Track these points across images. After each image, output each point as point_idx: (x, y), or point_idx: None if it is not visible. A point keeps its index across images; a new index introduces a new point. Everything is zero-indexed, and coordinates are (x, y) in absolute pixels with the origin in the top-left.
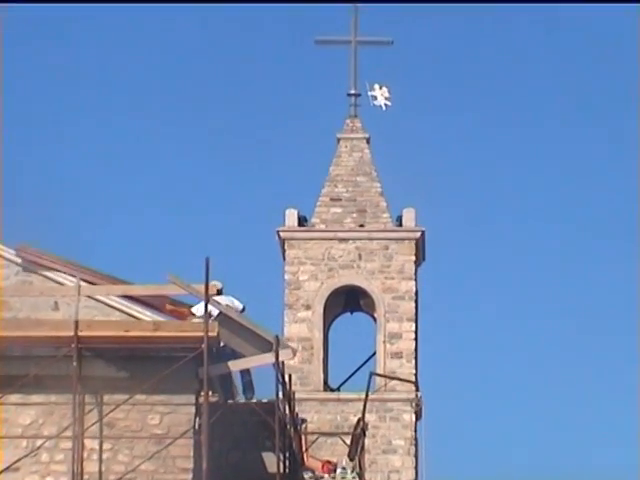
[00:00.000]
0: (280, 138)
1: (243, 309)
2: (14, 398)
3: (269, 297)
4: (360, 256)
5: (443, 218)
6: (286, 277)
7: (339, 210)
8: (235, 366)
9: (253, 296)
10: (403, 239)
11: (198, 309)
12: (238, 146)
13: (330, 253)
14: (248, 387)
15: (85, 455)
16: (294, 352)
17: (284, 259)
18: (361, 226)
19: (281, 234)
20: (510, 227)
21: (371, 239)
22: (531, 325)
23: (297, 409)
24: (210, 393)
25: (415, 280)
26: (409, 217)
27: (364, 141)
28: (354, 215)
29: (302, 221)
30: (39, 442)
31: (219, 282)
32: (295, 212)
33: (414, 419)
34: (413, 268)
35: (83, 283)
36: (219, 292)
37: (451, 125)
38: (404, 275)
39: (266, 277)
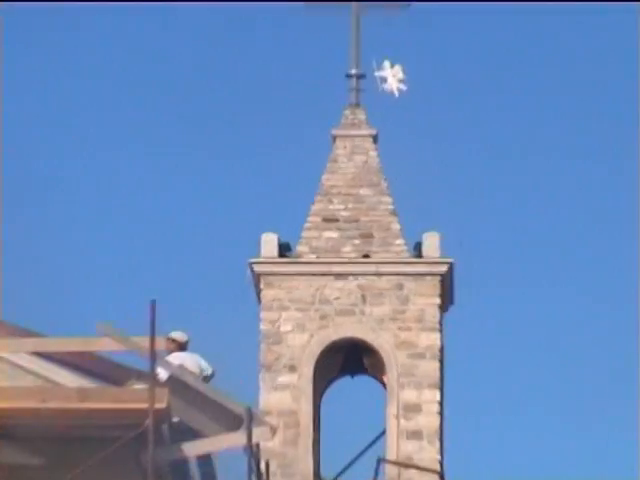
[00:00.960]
0: (255, 136)
1: (212, 374)
2: None
3: (239, 354)
4: (364, 298)
5: (478, 245)
6: (262, 327)
7: (335, 234)
8: (193, 449)
9: (218, 353)
10: (423, 275)
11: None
12: (196, 144)
13: (323, 294)
14: (209, 478)
15: None
16: (273, 430)
17: (259, 302)
18: (365, 257)
19: (255, 268)
20: (566, 262)
21: (379, 275)
22: (589, 392)
23: None
24: None
25: (440, 331)
26: (432, 244)
27: (370, 139)
28: (356, 241)
29: (284, 250)
30: None
31: (183, 333)
32: (274, 238)
33: None
34: (437, 315)
35: None
36: (183, 347)
37: (488, 118)
38: (425, 324)
39: (235, 327)
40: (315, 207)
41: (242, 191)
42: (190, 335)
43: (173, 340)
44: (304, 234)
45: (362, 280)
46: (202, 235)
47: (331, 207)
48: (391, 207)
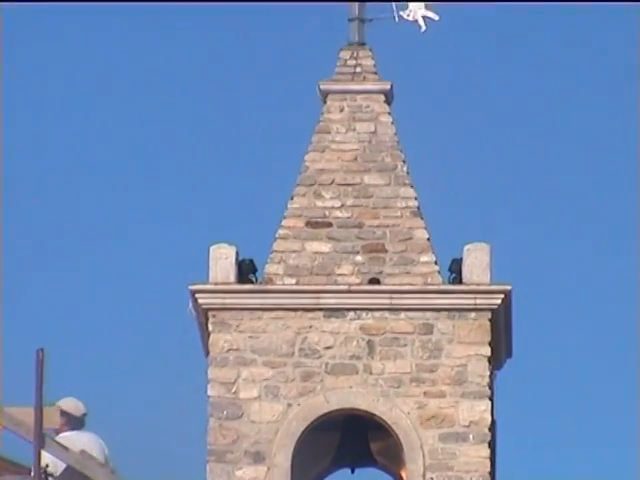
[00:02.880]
0: (196, 88)
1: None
2: None
3: (181, 436)
4: (372, 347)
5: (547, 263)
6: (211, 392)
7: (326, 247)
8: None
9: (147, 432)
10: (465, 310)
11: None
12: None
13: (307, 341)
14: None
15: None
16: None
17: (206, 353)
18: (374, 282)
19: (200, 299)
20: None
21: (395, 309)
22: None
23: None
24: None
25: (491, 399)
26: (478, 262)
27: (380, 98)
28: (359, 258)
29: (246, 271)
30: None
31: (78, 403)
32: (230, 251)
33: None
34: (486, 372)
35: None
36: (77, 424)
37: (553, 65)
38: (467, 388)
39: (174, 392)
40: (294, 204)
41: (180, 179)
42: (88, 407)
43: (62, 413)
44: (277, 246)
45: (368, 319)
46: (116, 245)
47: (320, 204)
48: (414, 204)
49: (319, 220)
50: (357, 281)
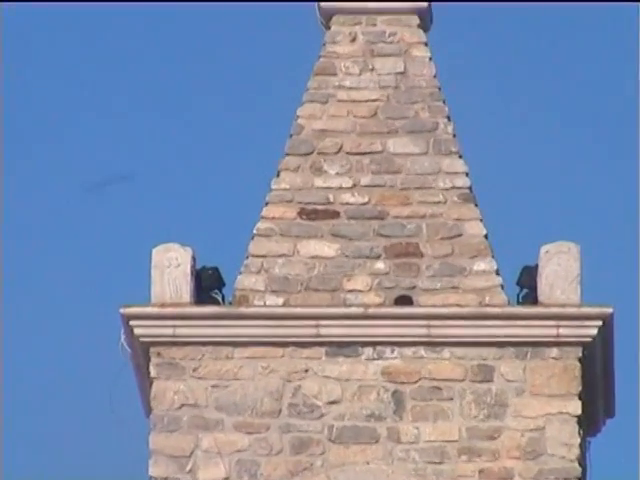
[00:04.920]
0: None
1: None
2: None
3: None
4: (398, 400)
5: None
6: (154, 470)
7: (331, 249)
8: None
9: None
10: (544, 345)
11: None
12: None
13: (300, 391)
14: None
15: None
16: None
17: (147, 410)
18: (403, 302)
19: (137, 327)
20: None
21: (435, 344)
22: None
23: None
24: None
25: (582, 465)
26: (561, 273)
27: (412, 22)
28: (380, 266)
29: (206, 283)
30: None
31: None
32: (185, 256)
33: None
34: (576, 439)
35: None
36: None
37: None
38: (546, 465)
39: (99, 470)
40: (282, 184)
41: (111, 145)
42: None
43: None
44: (254, 248)
45: (395, 359)
46: (19, 248)
47: (320, 184)
48: (464, 183)
49: (320, 208)
50: (378, 301)
